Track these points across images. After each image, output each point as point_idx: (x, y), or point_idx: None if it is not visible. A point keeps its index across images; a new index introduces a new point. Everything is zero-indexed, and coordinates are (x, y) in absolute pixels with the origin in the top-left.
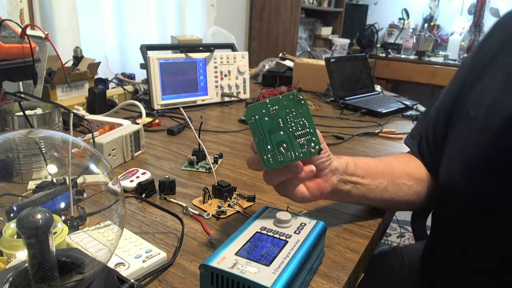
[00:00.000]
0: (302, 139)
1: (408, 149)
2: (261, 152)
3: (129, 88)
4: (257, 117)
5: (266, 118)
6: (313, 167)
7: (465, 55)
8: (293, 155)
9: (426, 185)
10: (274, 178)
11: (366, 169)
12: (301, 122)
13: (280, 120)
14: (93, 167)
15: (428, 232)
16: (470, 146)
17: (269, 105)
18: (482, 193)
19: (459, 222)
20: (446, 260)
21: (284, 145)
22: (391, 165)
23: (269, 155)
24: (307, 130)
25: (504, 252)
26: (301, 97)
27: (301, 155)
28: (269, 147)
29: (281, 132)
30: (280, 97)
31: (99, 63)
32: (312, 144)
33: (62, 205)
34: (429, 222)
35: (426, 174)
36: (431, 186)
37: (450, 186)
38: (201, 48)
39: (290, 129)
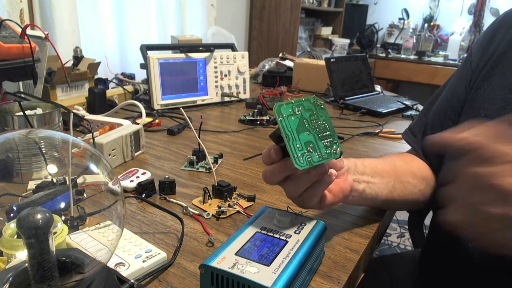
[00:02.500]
0: (325, 141)
1: (407, 148)
2: (292, 151)
3: (129, 88)
4: (285, 115)
5: (293, 118)
6: (334, 171)
7: (465, 55)
8: (320, 156)
9: (429, 183)
10: (300, 185)
11: (373, 168)
12: (322, 125)
13: (305, 120)
14: (93, 167)
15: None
16: None
17: (294, 105)
18: None
19: None
20: (445, 258)
21: (311, 145)
22: (395, 163)
23: (299, 154)
24: (329, 133)
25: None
26: (320, 102)
27: (326, 156)
28: (298, 146)
29: (307, 133)
30: (303, 99)
31: (99, 63)
32: (334, 147)
33: (62, 205)
34: (427, 222)
35: (428, 172)
36: (434, 184)
37: None
38: (201, 48)
39: (315, 130)
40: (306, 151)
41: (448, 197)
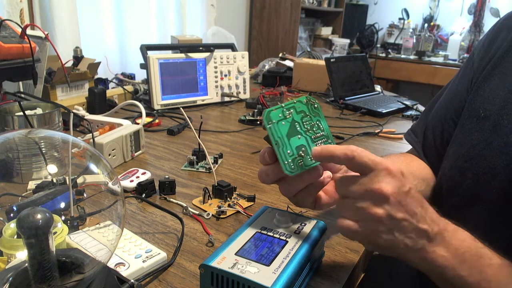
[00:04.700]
0: (319, 142)
1: (408, 148)
2: (282, 158)
3: (129, 88)
4: (274, 121)
5: (283, 123)
6: (329, 173)
7: (465, 55)
8: (313, 159)
9: (429, 184)
10: (294, 187)
11: None
12: (316, 125)
13: (296, 123)
14: (93, 167)
15: None
16: (481, 145)
17: (285, 109)
18: (491, 191)
19: (460, 215)
20: None
21: (303, 149)
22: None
23: (290, 160)
24: (323, 133)
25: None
26: (314, 100)
27: None
28: (289, 151)
29: (299, 136)
30: (294, 101)
31: (99, 63)
32: None
33: (62, 205)
34: None
35: (429, 173)
36: (434, 185)
37: (453, 182)
38: (201, 48)
39: (307, 133)
40: (297, 155)
41: (340, 207)
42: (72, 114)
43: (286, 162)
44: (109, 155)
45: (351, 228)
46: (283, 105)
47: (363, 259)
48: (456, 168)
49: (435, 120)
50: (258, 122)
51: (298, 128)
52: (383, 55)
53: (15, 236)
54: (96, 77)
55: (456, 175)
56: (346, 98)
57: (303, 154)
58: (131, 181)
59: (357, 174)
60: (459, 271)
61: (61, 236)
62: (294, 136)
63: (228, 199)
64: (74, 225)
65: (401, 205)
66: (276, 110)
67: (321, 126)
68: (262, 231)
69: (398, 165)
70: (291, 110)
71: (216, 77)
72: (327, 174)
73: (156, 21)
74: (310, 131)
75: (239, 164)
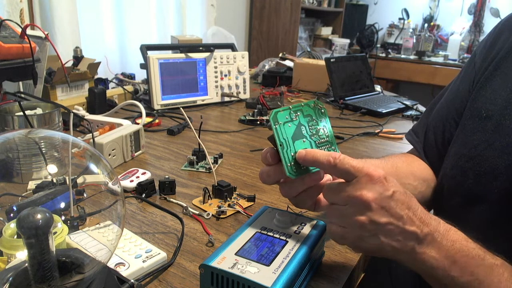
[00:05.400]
0: (323, 147)
1: (409, 148)
2: (285, 160)
3: (129, 88)
4: (281, 122)
5: (290, 125)
6: (330, 176)
7: (466, 55)
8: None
9: (430, 185)
10: (295, 189)
11: None
12: (321, 130)
13: (302, 127)
14: (93, 167)
15: None
16: (483, 145)
17: (292, 111)
18: (493, 191)
19: (461, 215)
20: None
21: None
22: (396, 165)
23: (293, 163)
24: (327, 139)
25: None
26: (321, 105)
27: None
28: (292, 154)
29: (304, 140)
30: (302, 104)
31: (99, 63)
32: None
33: (62, 205)
34: None
35: (429, 173)
36: (434, 185)
37: (454, 182)
38: (201, 48)
39: (312, 137)
40: None
41: (328, 213)
42: (72, 114)
43: (289, 165)
44: (109, 155)
45: (338, 233)
46: (290, 107)
47: (363, 259)
48: (457, 168)
49: (436, 120)
50: (258, 122)
51: (304, 132)
52: (383, 55)
53: (15, 236)
54: (96, 77)
55: (457, 175)
56: (346, 98)
57: None
58: (131, 181)
59: (343, 180)
60: (450, 271)
61: (61, 236)
62: (299, 139)
63: (228, 199)
64: (74, 225)
65: (385, 210)
66: (283, 111)
67: (326, 132)
68: (262, 231)
69: (382, 169)
70: (298, 113)
71: (216, 77)
72: (327, 177)
73: (156, 21)
74: (315, 136)
75: (239, 164)
